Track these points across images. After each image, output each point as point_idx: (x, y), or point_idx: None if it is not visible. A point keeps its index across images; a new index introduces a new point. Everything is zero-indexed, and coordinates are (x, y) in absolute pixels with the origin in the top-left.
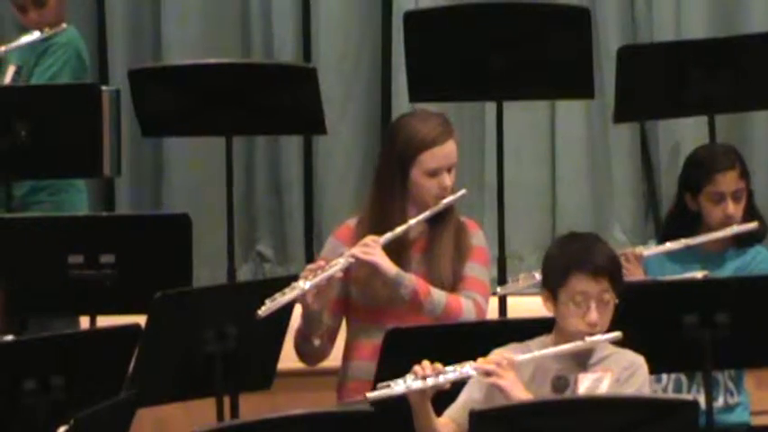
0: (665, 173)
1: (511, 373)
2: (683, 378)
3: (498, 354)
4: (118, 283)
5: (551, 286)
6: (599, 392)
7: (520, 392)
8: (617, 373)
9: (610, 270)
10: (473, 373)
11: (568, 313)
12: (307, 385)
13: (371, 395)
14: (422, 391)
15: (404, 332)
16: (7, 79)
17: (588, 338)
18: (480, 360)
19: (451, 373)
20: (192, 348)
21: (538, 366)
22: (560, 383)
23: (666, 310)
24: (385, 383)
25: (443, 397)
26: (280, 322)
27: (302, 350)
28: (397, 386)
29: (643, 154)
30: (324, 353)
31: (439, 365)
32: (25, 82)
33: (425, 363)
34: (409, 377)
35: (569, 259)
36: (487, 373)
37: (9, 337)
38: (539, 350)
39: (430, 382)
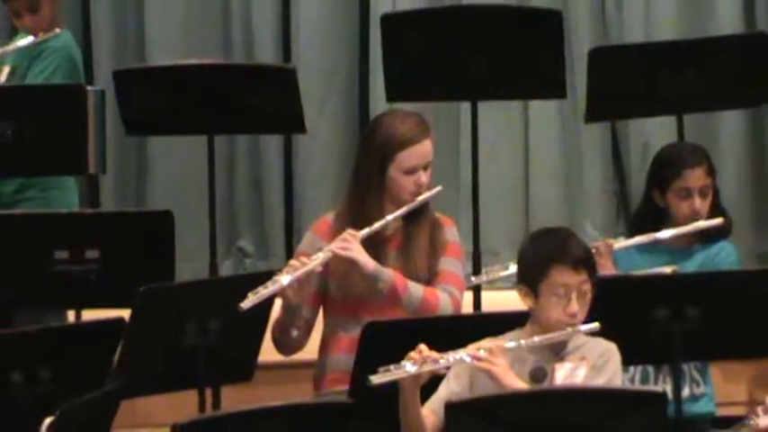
0: (635, 171)
1: (502, 360)
2: (651, 369)
3: (488, 341)
4: (102, 278)
5: (530, 281)
6: (576, 381)
7: (511, 379)
8: (593, 360)
9: (587, 261)
10: (468, 359)
11: (550, 306)
12: (286, 377)
13: (377, 380)
14: (417, 377)
15: (381, 325)
16: (2, 79)
17: (570, 330)
18: (472, 347)
19: (446, 359)
20: (174, 341)
21: (515, 358)
22: (538, 374)
23: (637, 303)
24: (384, 368)
25: (425, 389)
26: (260, 316)
27: (280, 341)
28: (401, 370)
29: (614, 153)
30: (300, 344)
31: (434, 353)
32: (19, 83)
33: (422, 347)
34: (407, 363)
35: (548, 253)
36: (480, 360)
37: None
38: (523, 341)
39: (428, 367)
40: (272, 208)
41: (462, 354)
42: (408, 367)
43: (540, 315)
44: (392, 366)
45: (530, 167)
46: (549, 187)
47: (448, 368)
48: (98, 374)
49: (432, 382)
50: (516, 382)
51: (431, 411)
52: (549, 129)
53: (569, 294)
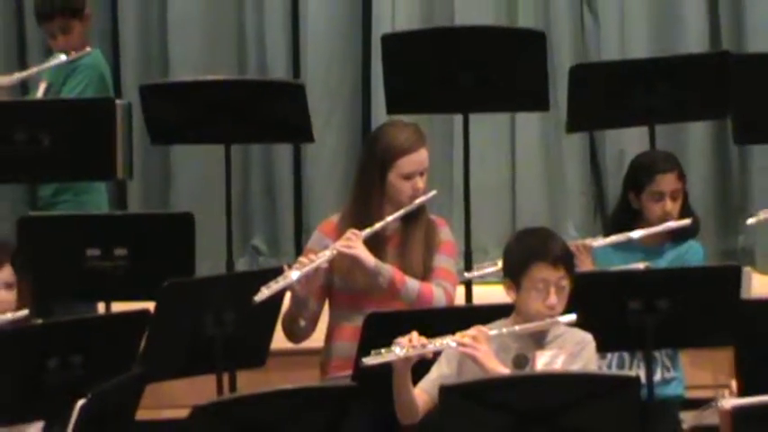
0: (611, 176)
1: (485, 346)
2: (626, 355)
3: (475, 329)
4: (130, 274)
5: (514, 276)
6: (555, 367)
7: (492, 363)
8: (570, 348)
9: (565, 259)
10: (453, 344)
11: (531, 299)
12: (295, 363)
13: (369, 361)
14: (407, 360)
15: (382, 316)
16: (39, 94)
17: (548, 320)
18: (459, 334)
19: (434, 344)
20: (194, 331)
21: (500, 346)
22: (521, 361)
23: (613, 296)
24: (376, 351)
25: (419, 371)
26: (272, 308)
27: (290, 330)
28: (391, 353)
29: (592, 160)
30: (308, 333)
31: (423, 338)
32: (55, 98)
33: (413, 334)
34: (397, 347)
35: (530, 251)
36: (465, 346)
37: (38, 321)
38: (504, 329)
39: (417, 351)
40: (282, 210)
41: (448, 339)
42: (398, 351)
43: (522, 307)
44: (383, 350)
45: (516, 173)
46: (533, 191)
47: (435, 353)
48: (125, 361)
49: (425, 366)
50: (497, 367)
51: (423, 391)
52: (533, 138)
53: (548, 288)
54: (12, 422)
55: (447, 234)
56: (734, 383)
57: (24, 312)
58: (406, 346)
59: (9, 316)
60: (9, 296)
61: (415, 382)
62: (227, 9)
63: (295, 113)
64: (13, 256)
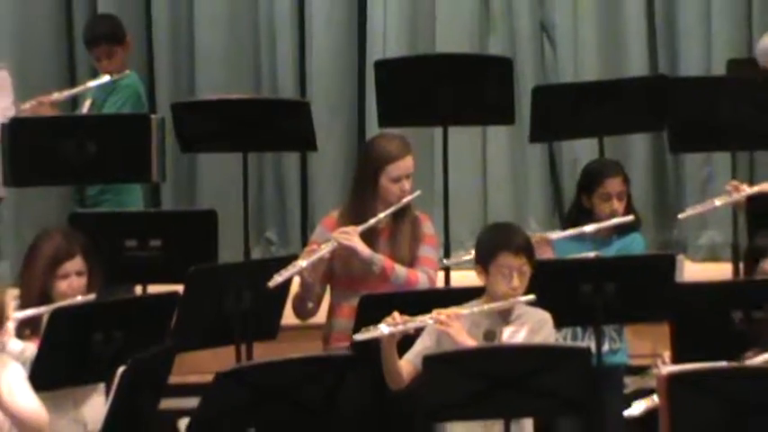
0: (566, 180)
1: (457, 323)
2: (579, 330)
3: (449, 310)
4: (162, 261)
5: (483, 262)
6: (518, 340)
7: (463, 337)
8: (531, 325)
9: (526, 248)
10: (431, 322)
11: (497, 282)
12: (302, 336)
13: (358, 337)
14: (391, 336)
15: (374, 297)
16: (84, 110)
17: (511, 300)
18: (435, 312)
19: (414, 322)
20: (217, 309)
21: (472, 323)
22: (490, 335)
23: (569, 280)
24: (366, 328)
25: (405, 344)
26: (282, 291)
27: (299, 310)
28: (377, 330)
29: (551, 166)
30: (313, 312)
31: (406, 317)
32: (98, 113)
33: (395, 314)
34: (383, 325)
35: (496, 241)
36: (440, 323)
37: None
38: (475, 308)
39: (400, 328)
40: (291, 207)
41: (427, 318)
42: (383, 328)
43: (490, 289)
44: (371, 327)
45: (487, 177)
46: (501, 192)
47: (416, 329)
48: (159, 334)
49: (410, 341)
50: (466, 340)
51: (407, 361)
52: (501, 147)
53: (512, 273)
54: (66, 385)
55: (429, 228)
56: (667, 353)
57: (92, 296)
58: (391, 324)
59: (79, 299)
60: (80, 283)
61: (402, 353)
62: (245, 39)
63: (302, 127)
64: (82, 247)
